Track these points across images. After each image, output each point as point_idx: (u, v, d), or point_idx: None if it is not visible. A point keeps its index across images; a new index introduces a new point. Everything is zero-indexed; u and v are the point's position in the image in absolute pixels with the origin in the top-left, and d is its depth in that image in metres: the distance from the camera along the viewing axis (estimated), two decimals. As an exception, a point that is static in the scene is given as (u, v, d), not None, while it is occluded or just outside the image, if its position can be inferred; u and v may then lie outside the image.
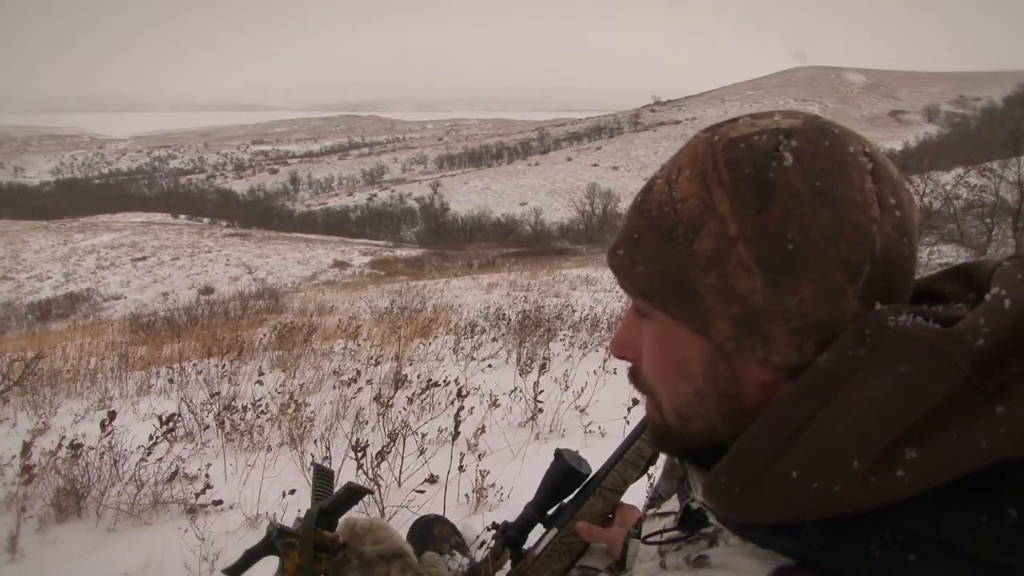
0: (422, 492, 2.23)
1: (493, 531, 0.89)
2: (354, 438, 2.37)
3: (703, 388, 0.48)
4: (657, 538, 0.60)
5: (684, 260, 0.45)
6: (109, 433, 2.34)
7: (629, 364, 0.55)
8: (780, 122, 0.46)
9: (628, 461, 0.79)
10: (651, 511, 0.69)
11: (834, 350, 0.42)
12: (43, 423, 3.24)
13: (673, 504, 0.68)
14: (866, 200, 0.43)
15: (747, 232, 0.43)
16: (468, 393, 3.04)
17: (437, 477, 2.40)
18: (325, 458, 2.46)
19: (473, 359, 4.84)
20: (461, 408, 2.66)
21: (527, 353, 4.67)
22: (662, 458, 0.80)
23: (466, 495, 2.27)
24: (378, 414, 2.93)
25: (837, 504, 0.38)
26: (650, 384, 0.53)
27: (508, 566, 0.81)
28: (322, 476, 0.84)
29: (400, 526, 2.00)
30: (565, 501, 0.81)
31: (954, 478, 0.36)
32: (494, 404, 3.27)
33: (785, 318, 0.43)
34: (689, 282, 0.45)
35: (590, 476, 0.81)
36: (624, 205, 60.62)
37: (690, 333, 0.47)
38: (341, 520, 0.76)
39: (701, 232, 0.44)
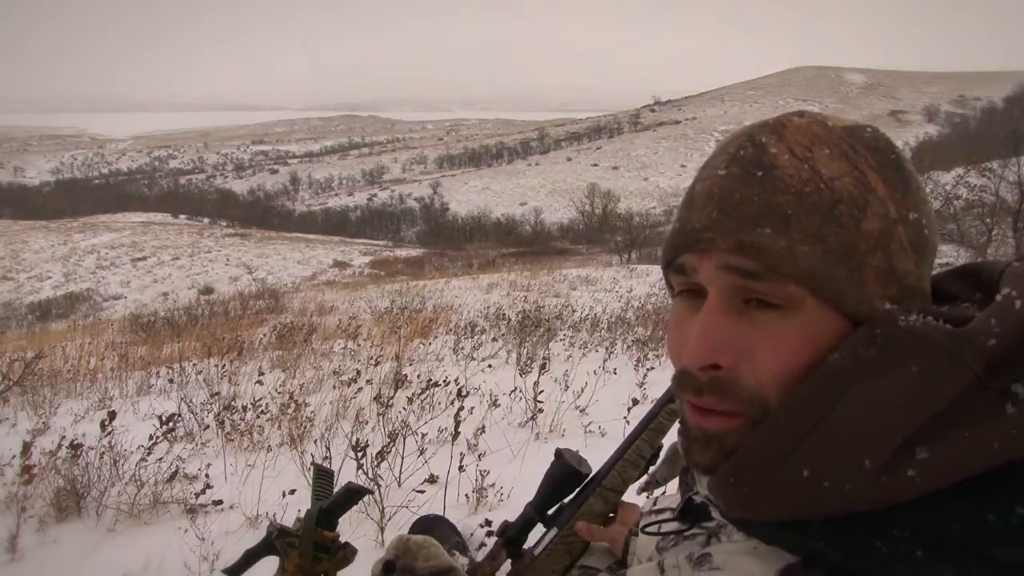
0: (422, 492, 2.23)
1: (486, 528, 0.89)
2: (354, 438, 2.37)
3: None
4: (655, 529, 0.59)
5: (853, 240, 0.43)
6: (109, 433, 2.35)
7: (712, 373, 0.45)
8: (855, 119, 0.50)
9: (628, 461, 0.79)
10: (647, 509, 0.69)
11: (844, 349, 0.42)
12: (43, 423, 3.24)
13: (669, 500, 0.68)
14: None
15: (902, 214, 0.45)
16: (468, 393, 3.04)
17: (437, 477, 2.41)
18: (325, 458, 2.46)
19: (473, 359, 4.84)
20: (461, 408, 2.66)
21: (527, 353, 4.68)
22: (662, 457, 0.80)
23: (466, 495, 2.27)
24: (378, 414, 2.93)
25: (848, 503, 0.38)
26: (758, 390, 0.44)
27: (508, 566, 0.81)
28: (322, 476, 0.84)
29: (400, 526, 2.00)
30: (565, 501, 0.81)
31: (964, 478, 0.36)
32: (494, 404, 3.27)
33: (920, 297, 0.46)
34: (855, 263, 0.43)
35: (590, 476, 0.81)
36: (624, 205, 60.32)
37: (840, 318, 0.44)
38: (394, 537, 0.76)
39: (867, 211, 0.44)
